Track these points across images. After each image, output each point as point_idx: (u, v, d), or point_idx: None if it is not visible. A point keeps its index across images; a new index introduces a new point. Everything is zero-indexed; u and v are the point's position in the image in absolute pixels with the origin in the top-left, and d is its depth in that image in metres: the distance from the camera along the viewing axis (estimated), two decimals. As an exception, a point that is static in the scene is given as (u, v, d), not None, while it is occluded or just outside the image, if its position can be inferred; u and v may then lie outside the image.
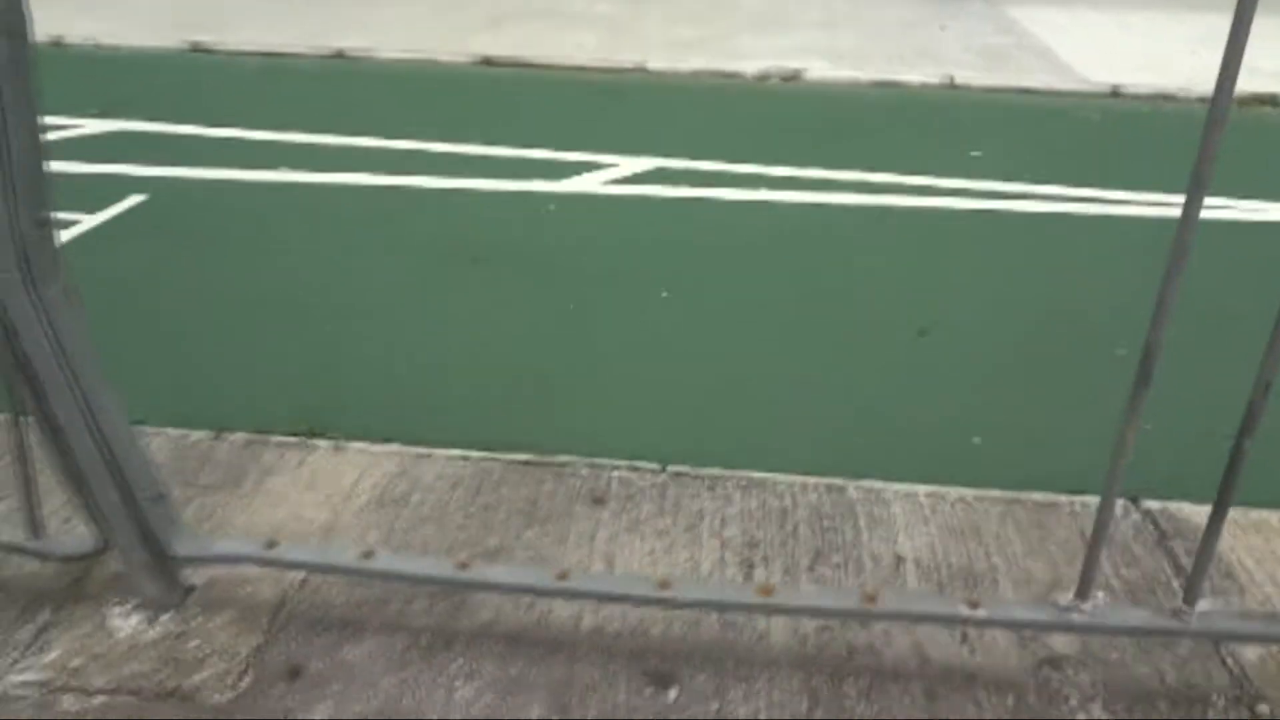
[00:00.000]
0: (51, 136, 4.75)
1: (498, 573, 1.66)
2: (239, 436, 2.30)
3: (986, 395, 2.72)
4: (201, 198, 3.96)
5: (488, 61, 6.40)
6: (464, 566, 1.65)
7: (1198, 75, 5.79)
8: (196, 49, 6.59)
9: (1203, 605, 1.59)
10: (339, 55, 6.51)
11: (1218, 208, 3.58)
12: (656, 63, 6.33)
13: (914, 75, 6.04)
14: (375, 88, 5.81)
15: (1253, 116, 5.05)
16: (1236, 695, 1.66)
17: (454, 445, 2.27)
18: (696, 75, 6.22)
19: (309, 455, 2.23)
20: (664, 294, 3.25)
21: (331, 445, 2.27)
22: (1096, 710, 1.63)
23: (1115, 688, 1.67)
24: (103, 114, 4.96)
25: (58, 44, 6.53)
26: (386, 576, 1.67)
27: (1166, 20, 7.44)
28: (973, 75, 6.02)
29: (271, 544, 1.70)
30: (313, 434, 2.31)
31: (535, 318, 3.10)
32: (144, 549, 1.68)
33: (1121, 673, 1.70)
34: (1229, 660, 1.72)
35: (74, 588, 1.82)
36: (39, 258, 1.42)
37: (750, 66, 6.23)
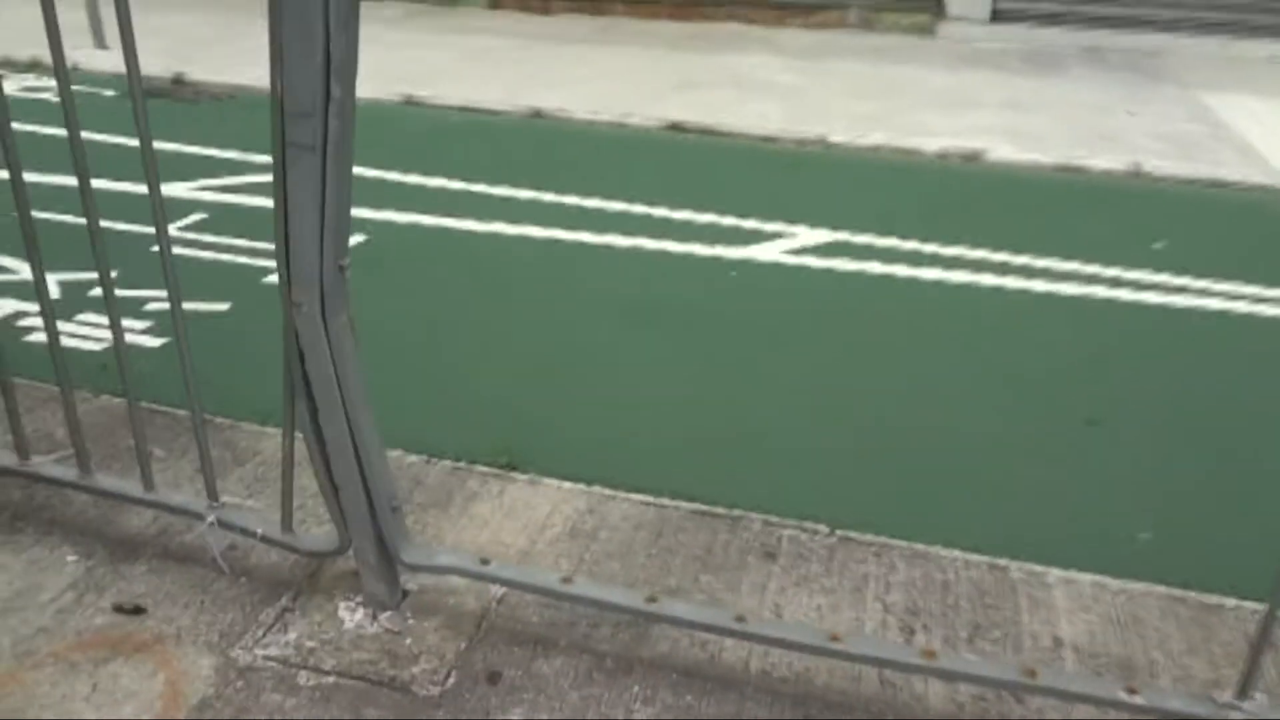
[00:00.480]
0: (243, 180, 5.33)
1: (682, 609, 1.84)
2: (446, 463, 2.57)
3: (1158, 491, 2.73)
4: (414, 241, 4.36)
5: (676, 127, 6.71)
6: (652, 600, 1.84)
7: None
8: (409, 102, 7.17)
9: (1369, 720, 1.62)
10: (537, 114, 6.95)
11: None
12: (837, 136, 6.49)
13: (1098, 161, 5.99)
14: (570, 146, 6.20)
15: None
16: (1400, 815, 1.66)
17: (636, 490, 2.48)
18: (876, 150, 6.35)
19: (508, 486, 2.47)
20: (834, 364, 3.39)
21: (528, 479, 2.51)
22: (1251, 811, 1.67)
23: (1271, 791, 1.70)
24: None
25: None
26: (583, 601, 1.87)
27: (1379, 117, 7.12)
28: (1160, 163, 5.92)
29: (485, 561, 1.93)
30: (511, 467, 2.56)
31: (716, 376, 3.29)
32: (377, 553, 1.94)
33: (1279, 778, 1.72)
34: (1395, 780, 1.72)
35: (309, 581, 2.10)
36: (333, 294, 1.70)
37: (931, 144, 6.31)
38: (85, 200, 1.83)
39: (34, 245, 1.93)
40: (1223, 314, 3.90)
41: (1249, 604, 2.12)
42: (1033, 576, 2.22)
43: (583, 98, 7.24)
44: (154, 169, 1.76)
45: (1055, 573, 2.24)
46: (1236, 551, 2.45)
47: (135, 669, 1.85)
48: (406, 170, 5.24)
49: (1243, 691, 1.65)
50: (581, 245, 4.43)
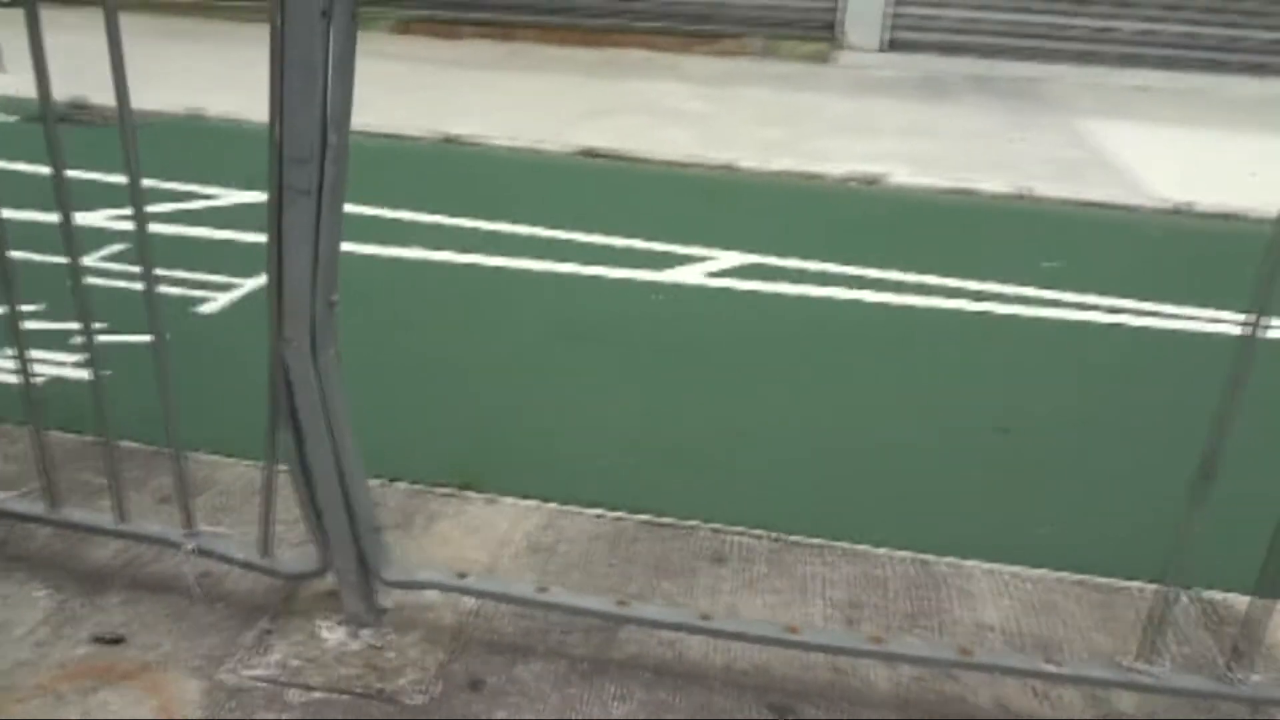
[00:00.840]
0: (199, 205, 5.31)
1: (651, 611, 1.99)
2: (403, 485, 2.67)
3: (1060, 489, 3.00)
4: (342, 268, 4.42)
5: (589, 153, 6.88)
6: (623, 604, 1.99)
7: (1261, 195, 6.06)
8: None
9: (1252, 677, 1.87)
10: (451, 140, 7.05)
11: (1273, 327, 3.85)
12: (746, 161, 6.76)
13: (989, 184, 6.39)
14: (488, 173, 6.31)
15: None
16: (1281, 760, 1.92)
17: (589, 504, 2.62)
18: (783, 175, 6.63)
19: (467, 505, 2.59)
20: (761, 380, 3.59)
21: (485, 498, 2.63)
22: (1157, 764, 1.90)
23: (1174, 746, 1.93)
24: (248, 185, 5.49)
25: (197, 116, 7.17)
26: (559, 608, 2.00)
27: (1233, 138, 7.74)
28: (1044, 186, 6.35)
29: (462, 575, 2.05)
30: (467, 487, 2.67)
31: (656, 394, 3.46)
32: (358, 572, 2.04)
33: (1180, 734, 1.96)
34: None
35: (285, 604, 2.18)
36: (323, 329, 1.81)
37: (835, 169, 6.63)
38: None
39: None
40: (1111, 327, 4.25)
41: (1142, 584, 2.38)
42: (957, 570, 2.44)
43: (496, 124, 7.36)
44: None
45: (977, 565, 2.46)
46: (1130, 539, 2.71)
47: (124, 696, 1.91)
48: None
49: (1145, 657, 1.88)
50: (511, 271, 4.56)
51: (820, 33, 10.29)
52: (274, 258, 1.76)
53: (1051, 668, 1.87)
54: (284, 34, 1.58)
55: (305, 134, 1.65)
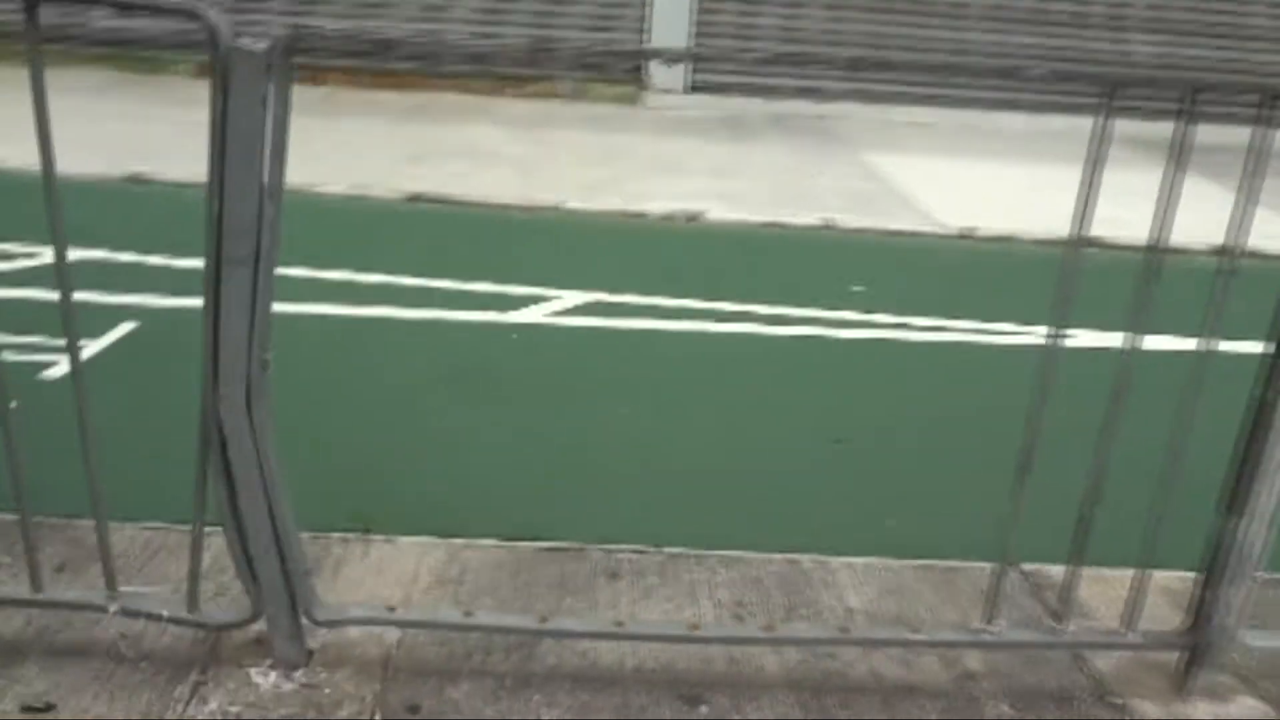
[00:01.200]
0: (10, 266, 5.11)
1: (570, 623, 2.20)
2: (306, 534, 2.76)
3: (898, 488, 3.41)
4: (186, 324, 4.38)
5: (416, 198, 6.99)
6: (544, 619, 2.19)
7: (1032, 219, 6.89)
8: (136, 179, 6.97)
9: (1069, 628, 2.27)
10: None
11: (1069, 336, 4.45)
12: (572, 202, 7.05)
13: (796, 218, 6.94)
14: (319, 220, 6.30)
15: (1085, 255, 6.07)
16: (1092, 690, 2.33)
17: (485, 536, 2.80)
18: (609, 214, 6.96)
19: (370, 547, 2.71)
20: (624, 410, 3.86)
21: (385, 539, 2.76)
22: (1003, 708, 2.27)
23: (1013, 691, 2.32)
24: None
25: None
26: (486, 629, 2.18)
27: (1004, 169, 8.69)
28: (846, 218, 6.95)
29: (391, 608, 2.19)
30: (368, 531, 2.79)
31: (529, 427, 3.65)
32: (289, 615, 2.15)
33: (1016, 681, 2.35)
34: (1086, 668, 2.40)
35: (212, 655, 2.25)
36: (258, 385, 1.93)
37: (656, 207, 7.01)
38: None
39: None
40: (918, 343, 4.78)
41: (977, 564, 2.78)
42: (822, 565, 2.77)
43: (320, 170, 7.34)
44: None
45: (838, 560, 2.80)
46: (964, 526, 3.13)
47: (66, 757, 1.95)
48: (150, 252, 5.16)
49: (987, 619, 2.25)
50: (367, 319, 4.64)
51: (628, 75, 10.76)
52: (210, 321, 1.87)
53: (914, 636, 2.21)
54: (225, 116, 1.72)
55: (244, 208, 1.79)
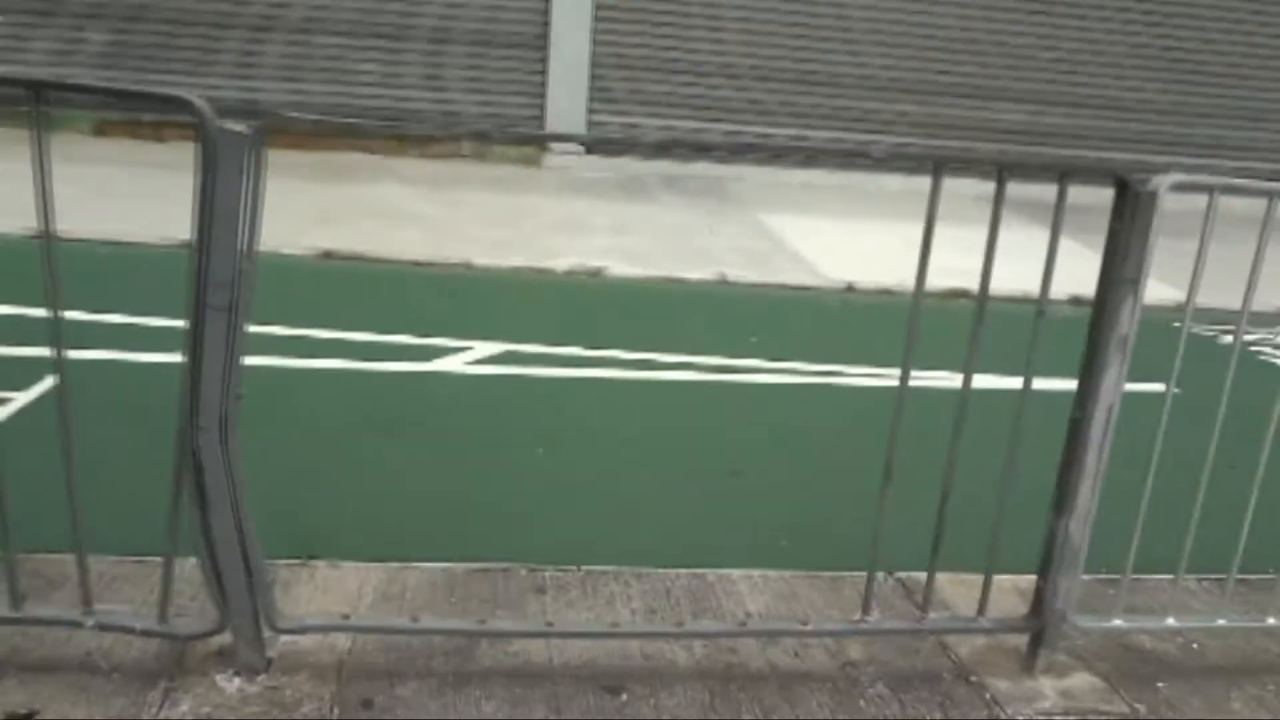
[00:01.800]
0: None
1: (506, 624, 2.50)
2: (249, 562, 2.99)
3: (787, 512, 3.80)
4: (115, 377, 4.54)
5: (329, 255, 7.22)
6: (482, 622, 2.48)
7: (909, 273, 7.51)
8: (41, 237, 7.02)
9: (933, 616, 2.68)
10: (186, 245, 7.13)
11: (930, 377, 4.95)
12: (481, 259, 7.37)
13: (694, 273, 7.41)
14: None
15: (954, 306, 6.67)
16: (955, 672, 2.73)
17: (419, 560, 3.08)
18: (516, 270, 7.31)
19: (315, 571, 2.96)
20: (540, 450, 4.18)
21: (328, 564, 3.01)
22: (881, 689, 2.65)
23: (889, 675, 2.70)
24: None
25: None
26: (432, 632, 2.47)
27: (882, 228, 9.36)
28: (740, 273, 7.45)
29: (345, 616, 2.46)
30: (313, 557, 3.04)
31: (453, 465, 3.93)
32: (253, 625, 2.40)
33: (891, 667, 2.73)
34: (950, 654, 2.81)
35: (179, 665, 2.48)
36: (231, 419, 2.21)
37: (560, 264, 7.39)
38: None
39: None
40: (807, 385, 5.23)
41: (857, 572, 3.17)
42: (723, 578, 3.13)
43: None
44: None
45: (735, 572, 3.16)
46: (845, 542, 3.53)
47: (52, 756, 2.16)
48: (74, 307, 5.30)
49: (865, 610, 2.64)
50: (289, 369, 4.86)
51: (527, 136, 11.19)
52: (191, 361, 2.15)
53: (804, 627, 2.58)
54: (212, 185, 2.02)
55: (225, 264, 2.08)
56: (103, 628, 2.39)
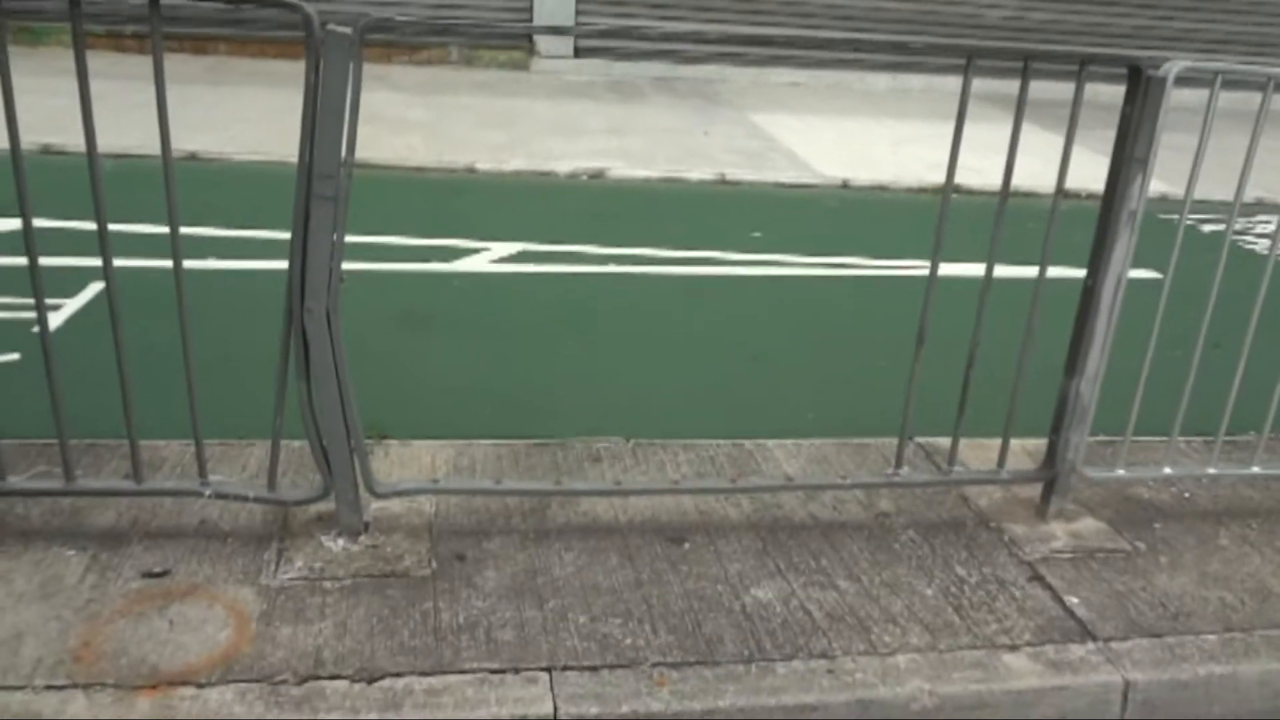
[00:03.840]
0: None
1: (579, 484, 2.77)
2: (324, 443, 3.23)
3: (809, 389, 4.08)
4: (156, 282, 4.71)
5: (333, 163, 7.31)
6: (558, 483, 2.75)
7: (902, 170, 7.70)
8: (49, 151, 7.08)
9: (958, 469, 2.98)
10: (193, 157, 7.21)
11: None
12: (482, 164, 7.49)
13: (693, 173, 7.57)
14: (244, 187, 6.60)
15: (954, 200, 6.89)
16: (976, 520, 3.05)
17: (481, 438, 3.34)
18: (519, 174, 7.45)
19: (390, 448, 3.21)
20: (571, 340, 4.42)
21: (400, 443, 3.26)
22: (911, 534, 2.96)
23: (918, 523, 3.01)
24: (1, 213, 5.51)
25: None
26: (514, 493, 2.74)
27: (874, 125, 9.51)
28: (738, 172, 7.62)
29: (435, 480, 2.72)
30: (384, 436, 3.29)
31: (498, 355, 4.17)
32: (354, 490, 2.65)
33: (919, 516, 3.04)
34: (970, 505, 3.12)
35: (284, 530, 2.74)
36: (334, 301, 2.42)
37: (562, 166, 7.53)
38: None
39: None
40: (813, 277, 5.48)
41: (883, 439, 3.47)
42: (760, 446, 3.41)
43: (232, 139, 7.58)
44: None
45: (770, 442, 3.45)
46: (867, 413, 3.82)
47: (193, 606, 2.42)
48: (89, 219, 5.42)
49: (897, 465, 2.94)
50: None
51: (516, 41, 11.16)
52: (298, 248, 2.35)
53: (842, 481, 2.87)
54: (319, 86, 2.20)
55: (329, 155, 2.27)
56: (220, 496, 2.64)
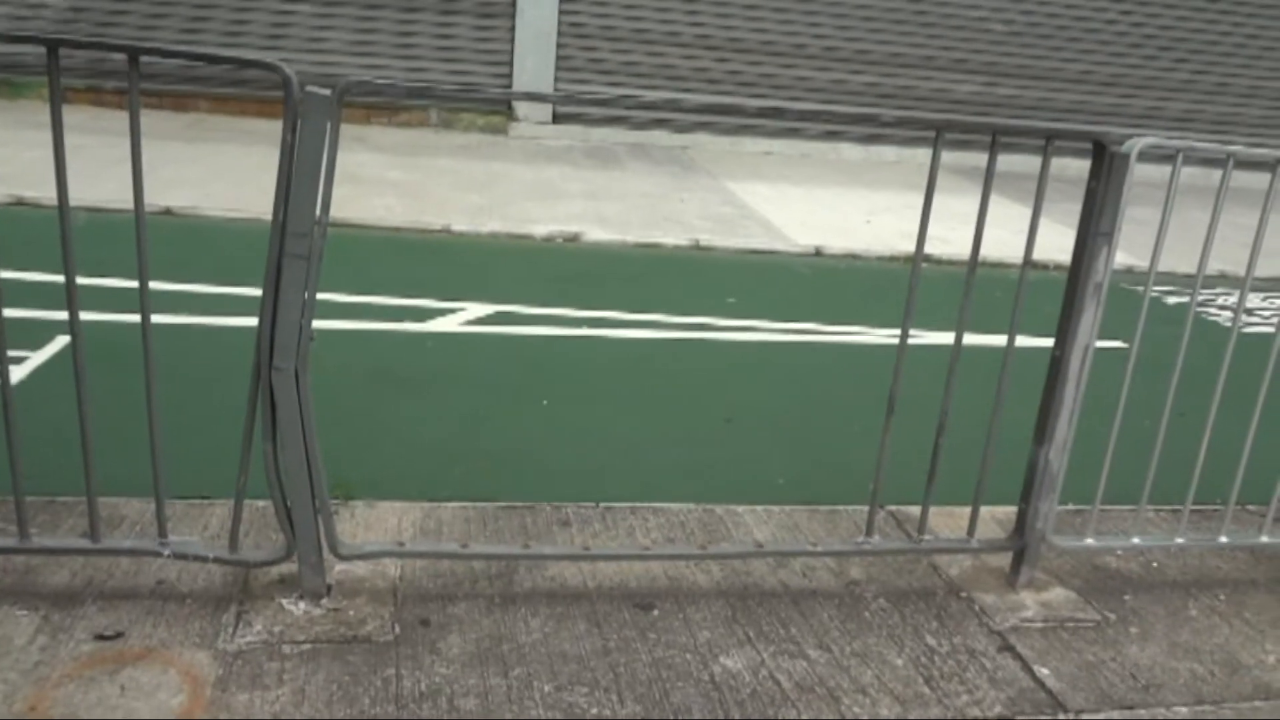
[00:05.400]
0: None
1: (547, 549, 2.74)
2: (289, 503, 3.18)
3: (783, 454, 4.07)
4: (123, 336, 4.66)
5: (309, 221, 7.31)
6: (526, 546, 2.72)
7: (875, 239, 7.80)
8: (21, 203, 7.05)
9: (928, 538, 2.97)
10: (168, 212, 7.20)
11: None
12: (459, 225, 7.53)
13: (668, 238, 7.64)
14: (218, 243, 6.59)
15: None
16: (946, 589, 3.03)
17: (448, 500, 3.30)
18: (495, 236, 7.48)
19: (355, 509, 3.17)
20: (544, 401, 4.40)
21: (365, 503, 3.22)
22: (882, 603, 2.94)
23: (888, 591, 2.99)
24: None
25: None
26: (481, 557, 2.69)
27: (846, 195, 9.66)
28: (712, 238, 7.70)
29: (400, 543, 2.68)
30: (349, 497, 3.24)
31: (462, 416, 4.14)
32: (317, 552, 2.60)
33: (889, 584, 3.02)
34: (941, 574, 3.10)
35: (243, 591, 2.68)
36: (304, 359, 2.40)
37: (538, 229, 7.58)
38: None
39: None
40: (784, 343, 5.50)
41: (853, 506, 3.46)
42: (730, 511, 3.39)
43: (209, 195, 7.59)
44: None
45: (741, 508, 3.43)
46: (837, 480, 3.81)
47: (146, 671, 2.35)
48: (55, 272, 5.37)
49: (867, 533, 2.93)
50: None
51: (496, 106, 11.30)
52: (269, 306, 2.34)
53: (812, 548, 2.85)
54: (295, 146, 2.21)
55: (304, 215, 2.27)
56: (179, 556, 2.58)
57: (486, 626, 2.63)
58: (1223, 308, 7.05)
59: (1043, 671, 2.70)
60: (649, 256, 7.26)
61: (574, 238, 7.53)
